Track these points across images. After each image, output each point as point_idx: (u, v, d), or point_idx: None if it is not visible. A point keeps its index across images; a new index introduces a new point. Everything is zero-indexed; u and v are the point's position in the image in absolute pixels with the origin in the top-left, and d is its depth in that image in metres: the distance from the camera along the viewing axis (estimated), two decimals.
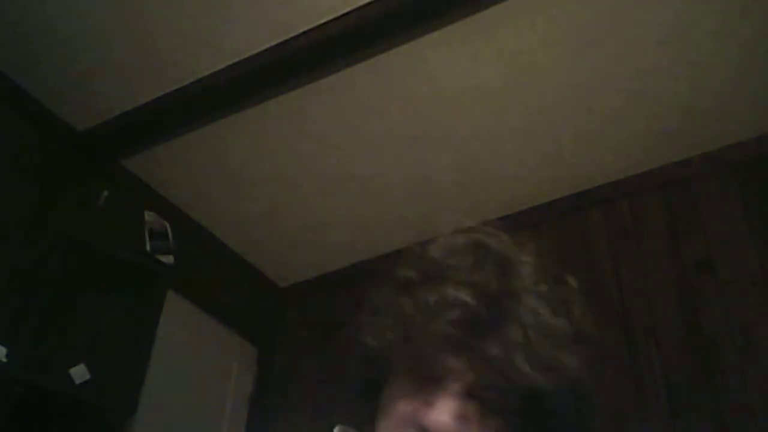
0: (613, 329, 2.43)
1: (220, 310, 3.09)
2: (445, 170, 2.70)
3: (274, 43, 2.26)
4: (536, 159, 2.64)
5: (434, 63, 2.32)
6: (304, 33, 2.22)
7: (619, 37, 2.20)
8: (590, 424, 0.79)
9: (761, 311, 2.21)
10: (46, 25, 2.27)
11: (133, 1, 2.18)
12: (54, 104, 2.55)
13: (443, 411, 0.70)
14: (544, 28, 2.20)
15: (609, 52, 2.25)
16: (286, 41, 2.25)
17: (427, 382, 0.73)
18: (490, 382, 0.71)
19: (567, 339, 0.75)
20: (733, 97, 2.36)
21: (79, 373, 2.24)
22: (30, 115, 2.51)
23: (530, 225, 2.80)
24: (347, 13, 2.15)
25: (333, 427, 0.82)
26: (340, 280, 3.16)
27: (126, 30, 2.27)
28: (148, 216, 2.83)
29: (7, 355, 2.13)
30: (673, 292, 2.40)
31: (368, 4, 2.12)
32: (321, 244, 3.12)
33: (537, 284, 0.78)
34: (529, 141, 2.57)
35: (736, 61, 2.24)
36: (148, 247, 2.76)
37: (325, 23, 2.19)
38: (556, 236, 2.74)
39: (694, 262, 2.41)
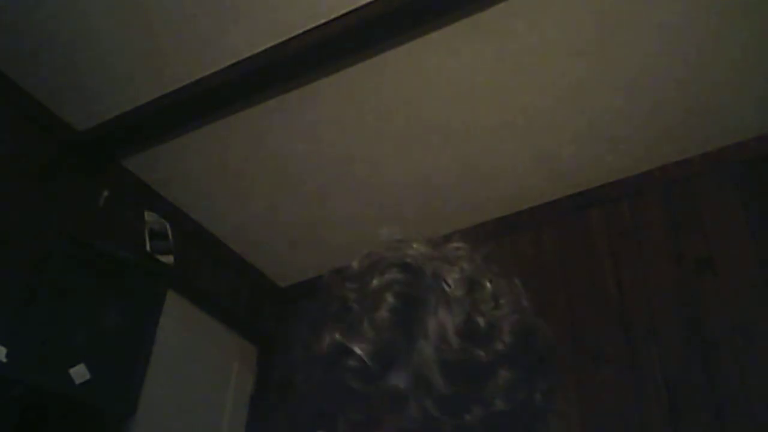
0: (613, 329, 2.43)
1: (220, 310, 3.10)
2: (446, 170, 2.70)
3: (274, 43, 2.26)
4: (536, 159, 2.64)
5: (434, 63, 2.32)
6: (304, 33, 2.22)
7: (619, 37, 2.20)
8: None
9: (761, 311, 2.21)
10: (45, 25, 2.27)
11: (133, 1, 2.18)
12: (54, 104, 2.55)
13: None
14: (544, 28, 2.20)
15: (609, 51, 2.25)
16: (286, 41, 2.25)
17: (358, 429, 0.69)
18: (411, 419, 0.66)
19: (492, 365, 0.67)
20: (733, 97, 2.36)
21: (79, 373, 2.24)
22: (30, 115, 2.51)
23: (530, 225, 2.80)
24: (347, 13, 2.15)
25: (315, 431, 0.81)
26: None
27: (126, 30, 2.27)
28: (148, 216, 2.83)
29: (7, 355, 2.13)
30: (673, 292, 2.40)
31: (368, 4, 2.12)
32: (321, 244, 3.11)
33: (455, 295, 0.70)
34: (529, 141, 2.57)
35: (736, 61, 2.24)
36: (148, 247, 2.76)
37: (325, 23, 2.19)
38: (556, 236, 2.75)
39: (694, 262, 2.41)
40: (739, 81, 2.31)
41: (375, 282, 0.72)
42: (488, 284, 0.73)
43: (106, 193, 2.68)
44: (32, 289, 2.29)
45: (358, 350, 0.68)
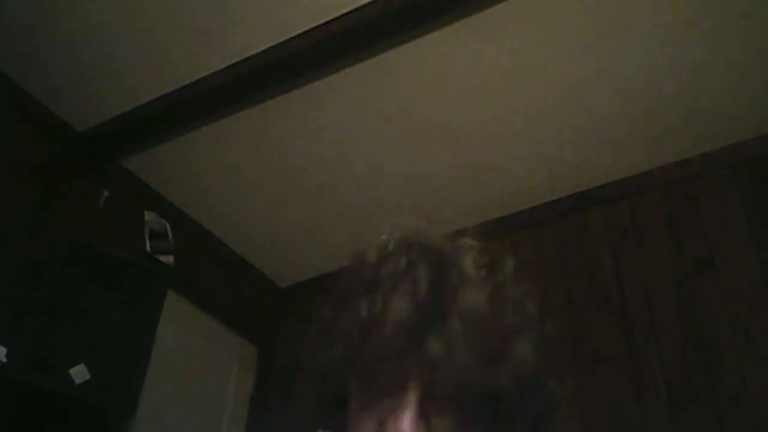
0: (613, 329, 2.43)
1: (220, 310, 3.10)
2: (446, 170, 2.71)
3: (274, 43, 2.27)
4: (536, 159, 2.64)
5: (434, 63, 2.32)
6: (304, 33, 2.22)
7: (618, 37, 2.20)
8: (543, 411, 0.78)
9: (761, 311, 2.21)
10: (46, 25, 2.27)
11: (134, 1, 2.18)
12: (54, 104, 2.55)
13: (402, 419, 0.71)
14: (544, 28, 2.20)
15: (609, 52, 2.25)
16: (287, 41, 2.25)
17: (384, 394, 0.74)
18: (441, 383, 0.72)
19: (514, 330, 0.75)
20: (733, 97, 2.36)
21: (79, 373, 2.24)
22: (30, 115, 2.51)
23: (530, 225, 2.80)
24: (347, 13, 2.15)
25: (316, 430, 0.82)
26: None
27: (126, 30, 2.27)
28: (148, 216, 2.83)
29: (7, 355, 2.13)
30: (673, 292, 2.40)
31: (368, 4, 2.12)
32: (321, 244, 3.12)
33: (476, 276, 0.77)
34: (529, 141, 2.57)
35: (736, 61, 2.24)
36: (148, 247, 2.76)
37: (325, 23, 2.19)
38: (556, 236, 2.75)
39: (694, 262, 2.41)
40: (739, 81, 2.31)
41: (404, 260, 0.77)
42: (507, 269, 0.80)
43: (106, 193, 2.68)
44: (32, 289, 2.29)
45: (396, 317, 0.73)
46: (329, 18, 2.17)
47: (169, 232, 2.87)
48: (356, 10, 2.14)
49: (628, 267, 2.53)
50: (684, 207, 2.53)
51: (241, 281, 3.26)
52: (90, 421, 2.36)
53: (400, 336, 0.72)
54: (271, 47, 2.27)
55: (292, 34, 2.23)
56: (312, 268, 3.26)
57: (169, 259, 2.82)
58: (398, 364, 0.73)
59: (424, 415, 0.72)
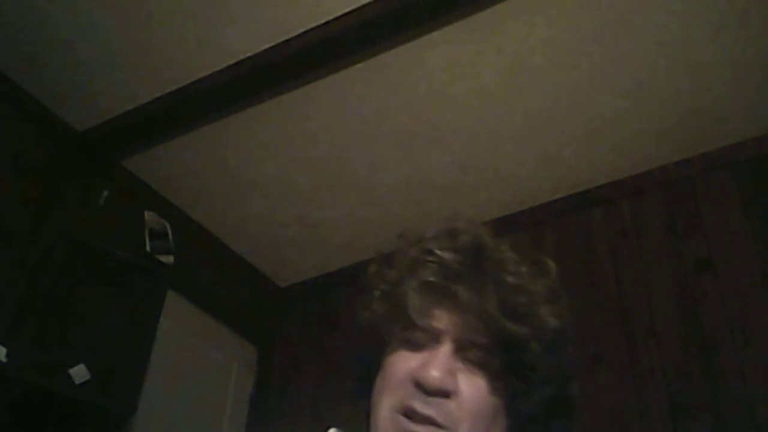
0: (613, 329, 2.43)
1: (220, 310, 3.09)
2: (445, 170, 2.70)
3: (274, 43, 2.27)
4: (536, 159, 2.64)
5: (434, 63, 2.32)
6: (304, 33, 2.22)
7: (619, 37, 2.20)
8: (566, 374, 0.83)
9: (761, 311, 2.21)
10: (46, 25, 2.27)
11: (134, 1, 2.18)
12: (54, 104, 2.55)
13: (435, 367, 0.76)
14: (544, 28, 2.20)
15: (609, 52, 2.25)
16: (286, 41, 2.25)
17: (419, 345, 0.79)
18: (474, 336, 0.77)
19: (542, 296, 0.80)
20: (733, 97, 2.36)
21: (79, 373, 2.24)
22: (30, 115, 2.51)
23: (530, 225, 2.80)
24: (347, 13, 2.15)
25: (327, 429, 0.83)
26: (340, 280, 3.16)
27: (126, 30, 2.27)
28: (148, 216, 2.83)
29: (7, 355, 2.13)
30: (673, 292, 2.40)
31: (368, 4, 2.12)
32: (321, 244, 3.12)
33: (512, 254, 0.84)
34: (529, 141, 2.57)
35: (736, 61, 2.24)
36: (148, 247, 2.76)
37: (325, 23, 2.19)
38: (556, 236, 2.74)
39: (694, 262, 2.41)
40: (739, 81, 2.31)
41: (449, 229, 0.86)
42: (542, 260, 0.86)
43: (106, 193, 2.68)
44: (32, 289, 2.29)
45: (439, 252, 0.81)
46: (329, 18, 2.17)
47: (169, 232, 2.87)
48: (356, 10, 2.14)
49: (628, 267, 2.53)
50: (684, 207, 2.53)
51: (241, 281, 3.25)
52: (90, 421, 2.36)
53: (442, 274, 0.79)
54: (271, 47, 2.27)
55: (292, 34, 2.23)
56: (312, 268, 3.26)
57: (169, 259, 2.82)
58: (435, 303, 0.79)
59: (454, 366, 0.77)
